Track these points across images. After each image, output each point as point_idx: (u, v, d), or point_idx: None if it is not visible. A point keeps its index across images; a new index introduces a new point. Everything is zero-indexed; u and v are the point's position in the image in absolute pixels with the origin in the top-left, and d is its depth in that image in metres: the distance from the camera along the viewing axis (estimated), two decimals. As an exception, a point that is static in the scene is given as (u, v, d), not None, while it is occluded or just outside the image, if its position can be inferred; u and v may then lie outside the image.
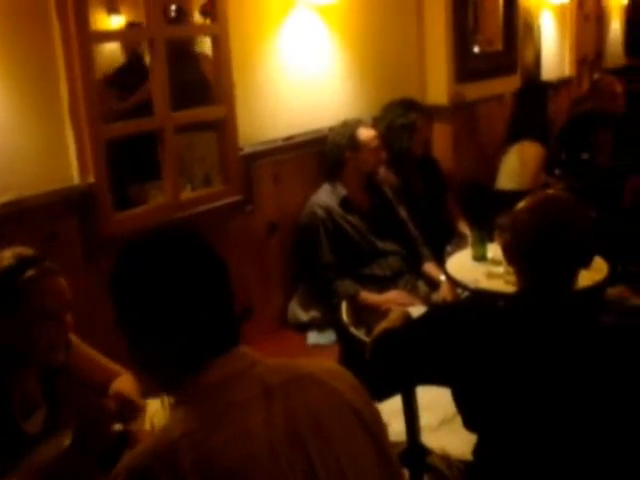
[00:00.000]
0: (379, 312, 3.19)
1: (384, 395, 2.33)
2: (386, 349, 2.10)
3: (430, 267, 3.66)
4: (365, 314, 3.27)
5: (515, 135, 4.49)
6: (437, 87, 4.57)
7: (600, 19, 7.24)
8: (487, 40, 5.30)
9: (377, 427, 1.44)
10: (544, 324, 1.86)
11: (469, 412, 1.95)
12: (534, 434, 1.82)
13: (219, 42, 3.29)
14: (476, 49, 5.09)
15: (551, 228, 1.86)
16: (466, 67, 4.80)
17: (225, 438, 1.25)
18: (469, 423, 1.96)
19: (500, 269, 3.13)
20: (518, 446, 1.86)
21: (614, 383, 1.81)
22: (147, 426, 2.06)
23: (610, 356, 1.82)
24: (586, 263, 1.92)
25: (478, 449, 1.98)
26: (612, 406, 1.80)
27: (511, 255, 1.97)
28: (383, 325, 2.19)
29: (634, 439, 1.82)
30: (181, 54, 3.76)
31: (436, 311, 2.37)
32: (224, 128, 3.35)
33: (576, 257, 1.89)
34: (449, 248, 3.75)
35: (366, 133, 3.61)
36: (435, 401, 2.53)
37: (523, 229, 1.90)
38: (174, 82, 3.14)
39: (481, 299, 2.08)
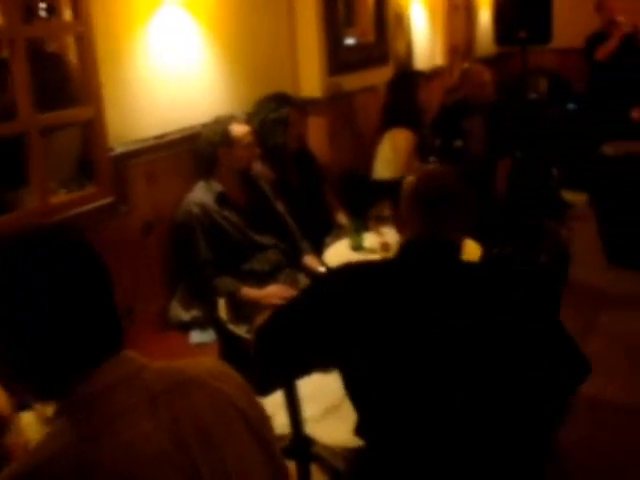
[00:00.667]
0: (261, 307, 3.20)
1: (269, 388, 2.35)
2: (269, 333, 2.13)
3: (310, 260, 3.69)
4: (247, 310, 3.28)
5: (388, 124, 4.57)
6: (310, 80, 4.60)
7: (470, 9, 7.44)
8: (359, 32, 5.37)
9: (262, 425, 1.45)
10: (421, 275, 1.98)
11: (359, 383, 1.98)
12: (422, 389, 1.88)
13: (83, 41, 3.21)
14: (348, 41, 5.15)
15: (433, 186, 2.06)
16: (339, 59, 4.86)
17: (109, 450, 1.21)
18: (358, 399, 2.00)
19: (377, 257, 3.18)
20: (407, 410, 1.90)
21: (496, 324, 1.92)
22: (20, 440, 2.00)
23: (486, 295, 1.96)
24: (464, 222, 2.08)
25: (363, 425, 2.01)
26: (499, 347, 1.90)
27: (399, 223, 2.12)
28: (262, 318, 2.22)
29: (520, 387, 1.92)
30: (41, 53, 3.63)
31: (311, 284, 2.40)
32: (92, 129, 3.27)
33: (454, 213, 2.04)
34: (328, 239, 3.79)
35: (239, 129, 3.60)
36: (318, 391, 2.56)
37: (408, 190, 2.08)
38: (37, 83, 3.05)
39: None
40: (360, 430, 2.01)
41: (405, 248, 2.06)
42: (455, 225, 2.04)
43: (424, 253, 2.03)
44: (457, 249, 2.06)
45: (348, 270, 2.09)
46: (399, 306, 1.93)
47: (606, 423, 3.55)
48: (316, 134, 4.57)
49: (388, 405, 1.94)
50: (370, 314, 1.93)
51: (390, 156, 4.48)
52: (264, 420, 1.47)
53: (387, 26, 5.57)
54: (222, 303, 2.87)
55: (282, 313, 2.14)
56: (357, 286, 1.98)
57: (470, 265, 2.15)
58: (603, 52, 6.49)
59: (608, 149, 5.31)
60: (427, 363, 1.88)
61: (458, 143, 4.83)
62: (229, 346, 2.81)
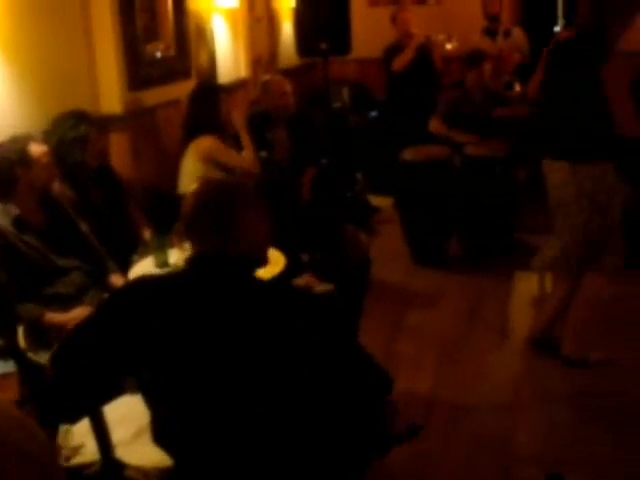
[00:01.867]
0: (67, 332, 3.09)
1: (74, 415, 2.29)
2: (65, 355, 2.11)
3: (116, 279, 3.61)
4: (52, 336, 3.16)
5: (189, 137, 4.54)
6: (110, 96, 4.50)
7: (271, 21, 7.55)
8: (160, 46, 5.31)
9: (45, 456, 1.41)
10: (202, 287, 2.02)
11: (153, 391, 2.04)
12: (203, 396, 1.96)
13: None
14: (149, 55, 5.09)
15: (216, 198, 2.09)
16: (140, 74, 4.79)
17: None
18: (153, 405, 2.05)
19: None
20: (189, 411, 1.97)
21: (272, 343, 1.97)
22: None
23: (263, 312, 2.01)
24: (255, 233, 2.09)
25: (159, 432, 2.05)
26: (272, 363, 1.96)
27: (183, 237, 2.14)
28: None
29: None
30: None
31: (104, 301, 2.36)
32: None
33: (239, 225, 2.06)
34: (135, 257, 3.73)
35: (37, 148, 3.46)
36: (128, 414, 2.52)
37: (187, 206, 2.10)
38: None
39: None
40: (157, 436, 2.07)
41: (190, 262, 2.09)
42: (242, 237, 2.06)
43: (203, 268, 2.06)
44: (241, 263, 2.07)
45: (139, 284, 2.13)
46: (182, 319, 1.98)
47: (417, 417, 3.71)
48: (118, 151, 4.48)
49: (178, 410, 2.00)
50: (158, 326, 1.98)
51: (194, 168, 4.46)
52: (47, 449, 1.44)
53: (188, 39, 5.55)
54: (21, 331, 2.76)
55: (76, 333, 2.11)
56: (146, 299, 2.02)
57: (253, 283, 2.13)
58: (400, 62, 6.78)
59: (408, 154, 5.54)
60: (204, 374, 1.95)
61: (263, 154, 4.88)
62: (30, 376, 2.70)
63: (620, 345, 4.22)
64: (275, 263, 3.28)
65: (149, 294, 2.03)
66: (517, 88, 7.03)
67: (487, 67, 5.91)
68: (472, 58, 5.90)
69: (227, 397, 1.93)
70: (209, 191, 2.11)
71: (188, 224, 2.09)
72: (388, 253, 5.72)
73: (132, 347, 1.99)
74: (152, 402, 2.05)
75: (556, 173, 3.87)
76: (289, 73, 6.91)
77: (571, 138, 3.79)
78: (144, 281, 2.15)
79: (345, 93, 8.03)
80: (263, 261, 2.18)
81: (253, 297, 2.03)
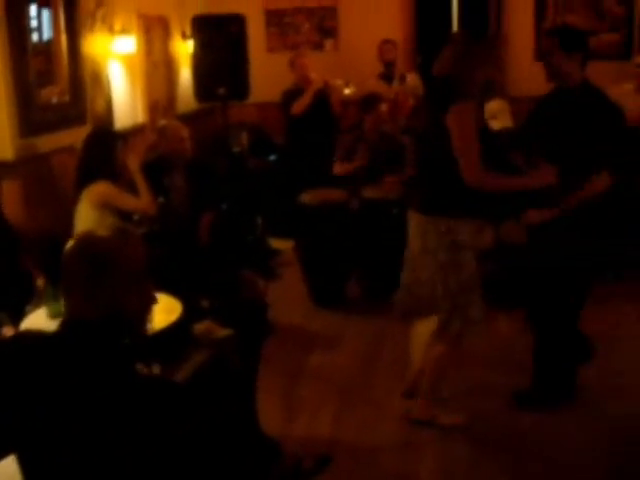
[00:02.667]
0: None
1: None
2: None
3: (7, 332, 3.51)
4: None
5: (84, 183, 4.47)
6: (1, 143, 4.42)
7: (169, 66, 7.55)
8: (55, 91, 5.25)
9: None
10: (62, 356, 1.87)
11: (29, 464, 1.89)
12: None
13: None
14: (44, 100, 5.02)
15: (80, 257, 1.92)
16: (33, 119, 4.71)
17: None
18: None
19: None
20: None
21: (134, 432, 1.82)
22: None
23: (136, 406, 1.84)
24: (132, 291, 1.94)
25: None
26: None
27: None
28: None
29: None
30: None
31: None
32: None
33: (111, 283, 1.90)
34: (29, 308, 3.63)
35: None
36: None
37: (63, 264, 1.94)
38: None
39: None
40: None
41: (60, 325, 1.96)
42: (107, 302, 1.91)
43: (65, 333, 1.92)
44: (104, 331, 1.90)
45: (14, 343, 2.02)
46: (43, 389, 1.84)
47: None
48: (10, 198, 4.38)
49: None
50: (27, 389, 1.85)
51: (89, 214, 4.40)
52: None
53: (84, 84, 5.51)
54: None
55: None
56: (16, 362, 1.90)
57: (113, 360, 1.91)
58: (298, 107, 6.87)
59: (305, 198, 5.60)
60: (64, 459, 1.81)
61: (160, 200, 4.85)
62: None
63: (498, 375, 4.34)
64: (171, 311, 3.26)
65: (20, 356, 1.89)
66: (413, 132, 7.22)
67: (383, 108, 6.04)
68: (368, 102, 6.03)
69: None
70: (78, 250, 1.94)
71: (60, 282, 1.96)
72: (288, 296, 5.74)
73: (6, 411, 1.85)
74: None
75: (410, 223, 3.86)
76: (188, 118, 6.92)
77: (420, 188, 3.78)
78: (20, 340, 2.03)
79: (244, 137, 8.08)
80: (135, 329, 2.00)
81: (109, 376, 1.85)
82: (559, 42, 3.83)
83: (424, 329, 4.08)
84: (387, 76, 7.45)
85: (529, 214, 3.95)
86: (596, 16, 8.49)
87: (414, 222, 3.80)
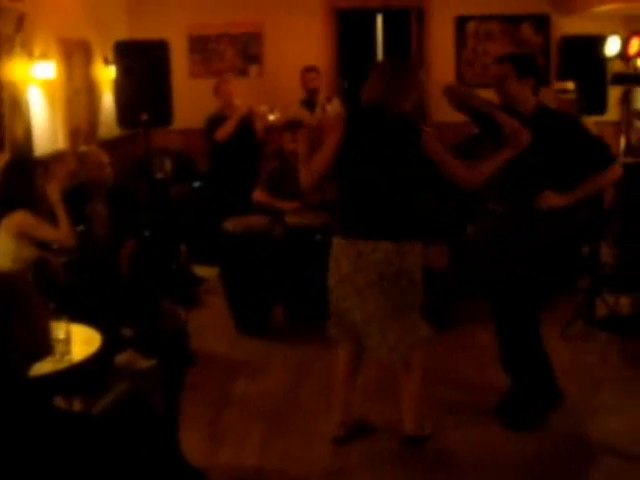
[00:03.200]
0: None
1: None
2: None
3: None
4: None
5: (2, 213, 4.37)
6: None
7: (91, 92, 7.46)
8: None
9: None
10: None
11: None
12: None
13: None
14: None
15: None
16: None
17: None
18: None
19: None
20: None
21: None
22: None
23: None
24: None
25: None
26: None
27: None
28: None
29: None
30: None
31: None
32: None
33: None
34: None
35: None
36: None
37: None
38: None
39: None
40: None
41: None
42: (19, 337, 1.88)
43: None
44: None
45: None
46: None
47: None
48: None
49: None
50: None
51: (7, 245, 4.30)
52: None
53: (2, 111, 5.40)
54: None
55: None
56: None
57: None
58: (222, 133, 6.87)
59: (229, 225, 5.58)
60: None
61: (80, 228, 4.77)
62: None
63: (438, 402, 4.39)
64: (90, 342, 3.20)
65: None
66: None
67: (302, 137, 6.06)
68: (291, 124, 6.04)
69: None
70: None
71: None
72: (213, 324, 5.70)
73: None
74: None
75: (367, 252, 3.79)
76: (110, 144, 6.84)
77: (386, 217, 3.79)
78: None
79: (167, 164, 8.02)
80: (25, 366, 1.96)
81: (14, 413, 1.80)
82: (513, 68, 3.90)
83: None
84: (309, 103, 7.49)
85: (546, 196, 3.92)
86: (514, 44, 8.75)
87: (381, 250, 3.72)
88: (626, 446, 3.99)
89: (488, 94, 4.02)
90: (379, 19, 10.15)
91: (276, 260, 5.49)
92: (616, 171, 4.00)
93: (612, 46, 7.52)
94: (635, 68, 7.04)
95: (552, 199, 3.92)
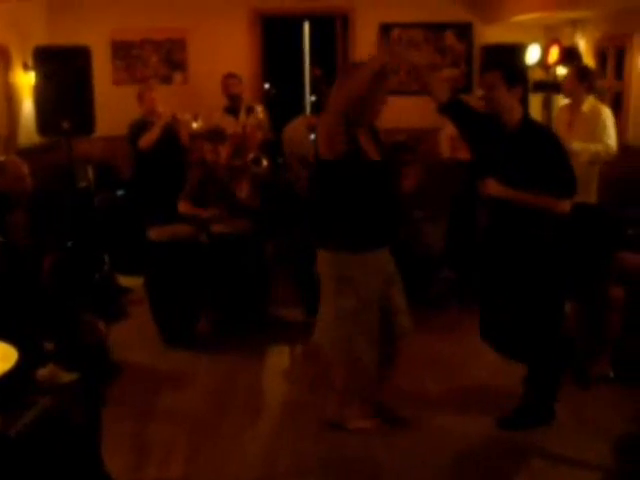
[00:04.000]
0: None
1: None
2: None
3: None
4: None
5: None
6: None
7: (10, 98, 7.28)
8: None
9: None
10: None
11: None
12: None
13: None
14: None
15: None
16: None
17: None
18: None
19: None
20: None
21: None
22: None
23: None
24: None
25: None
26: None
27: None
28: None
29: None
30: None
31: None
32: None
33: None
34: None
35: None
36: None
37: None
38: None
39: None
40: None
41: None
42: None
43: None
44: None
45: None
46: None
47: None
48: None
49: None
50: None
51: None
52: None
53: None
54: None
55: None
56: None
57: None
58: (146, 140, 6.77)
59: (153, 234, 5.50)
60: None
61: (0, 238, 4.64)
62: None
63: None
64: (5, 359, 3.09)
65: None
66: (264, 163, 7.23)
67: (226, 146, 6.03)
68: (213, 134, 5.99)
69: None
70: None
71: None
72: (138, 335, 5.61)
73: None
74: None
75: (380, 261, 4.02)
76: (30, 152, 6.69)
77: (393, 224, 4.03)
78: None
79: (90, 172, 7.86)
80: None
81: None
82: (502, 76, 3.89)
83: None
84: (232, 109, 7.42)
85: (488, 183, 3.97)
86: (438, 52, 8.87)
87: (384, 257, 3.97)
88: (548, 446, 4.08)
89: (412, 101, 4.08)
90: (306, 26, 10.20)
91: (201, 269, 5.43)
92: (564, 207, 3.95)
93: (532, 54, 7.70)
94: (555, 76, 7.22)
95: (492, 187, 3.97)
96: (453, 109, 4.00)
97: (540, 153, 3.88)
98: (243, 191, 5.93)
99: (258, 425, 4.36)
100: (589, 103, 5.59)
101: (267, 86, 10.19)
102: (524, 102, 5.57)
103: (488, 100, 3.97)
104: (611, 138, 5.45)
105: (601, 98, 6.10)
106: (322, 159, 3.80)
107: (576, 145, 5.37)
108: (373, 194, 3.84)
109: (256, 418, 4.44)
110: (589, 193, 5.56)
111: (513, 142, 3.91)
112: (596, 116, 5.52)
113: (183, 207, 5.84)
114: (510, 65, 4.13)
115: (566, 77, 6.03)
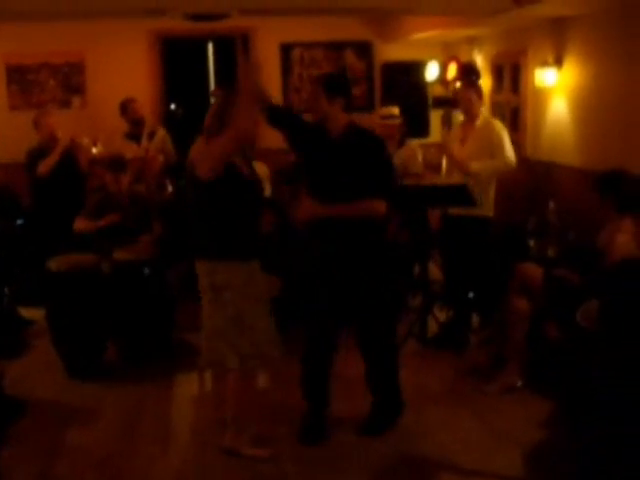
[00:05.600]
0: None
1: None
2: None
3: None
4: None
5: None
6: None
7: None
8: None
9: None
10: None
11: None
12: None
13: None
14: None
15: None
16: None
17: None
18: None
19: None
20: None
21: None
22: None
23: None
24: None
25: None
26: None
27: None
28: None
29: None
30: None
31: None
32: None
33: None
34: None
35: None
36: None
37: None
38: None
39: None
40: None
41: None
42: None
43: None
44: None
45: None
46: None
47: None
48: None
49: None
50: None
51: None
52: None
53: None
54: None
55: None
56: None
57: None
58: (45, 167, 6.61)
59: (53, 264, 5.32)
60: None
61: None
62: None
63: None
64: None
65: None
66: (169, 189, 7.15)
67: (128, 172, 5.92)
68: (114, 163, 5.87)
69: None
70: None
71: None
72: (42, 369, 5.41)
73: None
74: None
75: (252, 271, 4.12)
76: None
77: None
78: None
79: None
80: None
81: None
82: (323, 88, 4.08)
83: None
84: (134, 134, 7.27)
85: (302, 207, 4.18)
86: (339, 70, 8.95)
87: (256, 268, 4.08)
88: (458, 458, 4.12)
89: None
90: (210, 46, 10.18)
91: (104, 298, 5.28)
92: (380, 207, 4.13)
93: (431, 71, 7.85)
94: (454, 91, 7.36)
95: (308, 209, 4.17)
96: (275, 118, 4.22)
97: (361, 156, 4.10)
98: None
99: (169, 455, 4.26)
100: (482, 118, 5.72)
101: (173, 107, 10.11)
102: (423, 117, 5.70)
103: (313, 111, 4.19)
104: (509, 151, 5.57)
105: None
106: (203, 178, 3.91)
107: (475, 166, 5.50)
108: (248, 208, 4.04)
109: (166, 448, 4.34)
110: (486, 205, 5.68)
111: (336, 148, 4.12)
112: (489, 131, 5.63)
113: (79, 224, 5.66)
114: (330, 77, 4.33)
115: (459, 92, 6.14)
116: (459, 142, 5.76)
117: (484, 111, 5.81)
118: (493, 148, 5.56)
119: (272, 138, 4.21)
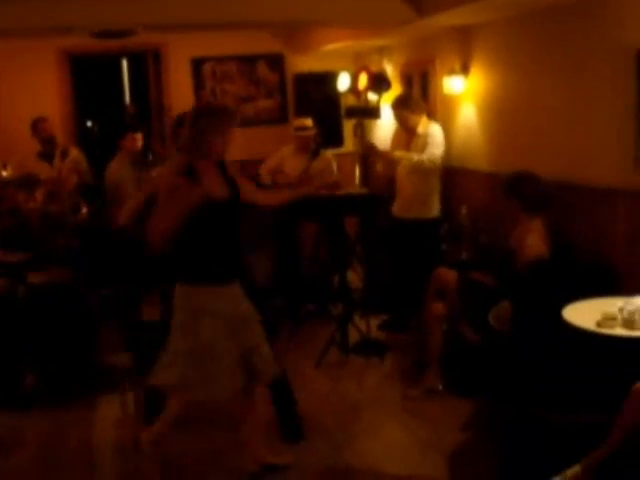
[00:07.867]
0: None
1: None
2: None
3: None
4: None
5: None
6: None
7: None
8: None
9: None
10: None
11: None
12: None
13: None
14: None
15: None
16: None
17: None
18: None
19: None
20: None
21: None
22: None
23: None
24: None
25: None
26: None
27: None
28: None
29: None
30: None
31: None
32: None
33: None
34: None
35: None
36: None
37: None
38: None
39: None
40: None
41: None
42: None
43: None
44: None
45: None
46: None
47: None
48: None
49: None
50: None
51: None
52: None
53: None
54: None
55: None
56: None
57: None
58: None
59: None
60: None
61: None
62: None
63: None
64: None
65: None
66: (84, 210, 7.03)
67: (40, 192, 5.82)
68: (26, 181, 5.77)
69: None
70: None
71: None
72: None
73: None
74: None
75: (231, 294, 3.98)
76: None
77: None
78: None
79: None
80: None
81: None
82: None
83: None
84: (47, 154, 7.15)
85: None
86: (252, 83, 8.99)
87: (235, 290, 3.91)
88: (382, 466, 4.17)
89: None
90: (125, 62, 10.11)
91: (20, 322, 5.17)
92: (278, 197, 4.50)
93: (343, 81, 7.92)
94: (366, 101, 7.45)
95: None
96: None
97: None
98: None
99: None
100: (422, 125, 6.06)
101: (90, 124, 9.98)
102: (336, 127, 5.74)
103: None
104: (437, 148, 5.94)
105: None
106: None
107: (397, 153, 5.98)
108: (218, 231, 3.83)
109: (90, 474, 4.27)
110: (429, 207, 6.06)
111: None
112: (428, 133, 6.02)
113: None
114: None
115: (394, 116, 6.27)
116: (405, 147, 6.12)
117: (423, 117, 6.13)
118: (426, 146, 5.92)
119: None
